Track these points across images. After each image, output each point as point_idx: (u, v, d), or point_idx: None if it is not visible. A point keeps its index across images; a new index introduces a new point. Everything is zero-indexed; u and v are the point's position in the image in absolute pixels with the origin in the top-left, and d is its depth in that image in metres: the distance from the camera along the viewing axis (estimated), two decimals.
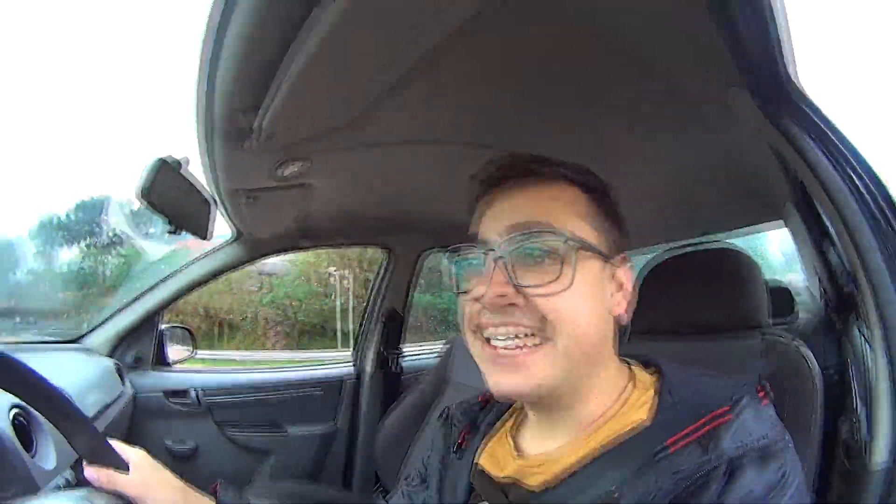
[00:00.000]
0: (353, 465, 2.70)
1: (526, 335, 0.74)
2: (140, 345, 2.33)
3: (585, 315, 0.75)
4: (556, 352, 0.73)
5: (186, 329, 2.62)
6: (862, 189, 0.93)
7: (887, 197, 0.93)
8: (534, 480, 0.79)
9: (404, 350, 2.92)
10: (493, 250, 0.77)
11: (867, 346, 0.99)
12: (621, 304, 0.82)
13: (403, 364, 2.86)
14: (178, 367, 2.48)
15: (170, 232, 1.38)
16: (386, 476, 2.40)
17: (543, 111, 1.30)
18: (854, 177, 0.94)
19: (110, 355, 2.23)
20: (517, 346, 0.75)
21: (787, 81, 0.96)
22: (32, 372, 0.79)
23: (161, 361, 2.43)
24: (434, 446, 1.02)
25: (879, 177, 0.95)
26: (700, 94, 1.16)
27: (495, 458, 0.87)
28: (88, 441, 0.83)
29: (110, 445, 0.84)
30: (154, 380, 2.35)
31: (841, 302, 1.11)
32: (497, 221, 0.79)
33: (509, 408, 0.95)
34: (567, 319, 0.73)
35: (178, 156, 1.33)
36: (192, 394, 2.39)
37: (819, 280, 1.77)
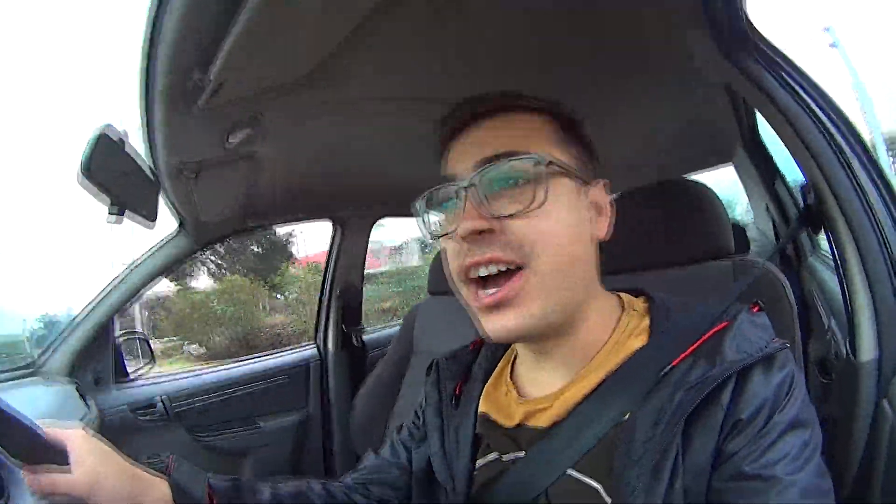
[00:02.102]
0: (331, 451, 2.66)
1: (509, 269, 0.74)
2: (98, 360, 2.18)
3: (566, 236, 0.76)
4: (541, 279, 0.74)
5: (142, 337, 2.49)
6: (820, 115, 1.00)
7: (844, 119, 1.01)
8: (542, 419, 0.80)
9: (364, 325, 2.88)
10: (465, 183, 0.77)
11: (833, 248, 1.06)
12: (602, 227, 0.84)
13: (365, 339, 2.82)
14: (139, 381, 2.35)
15: (112, 213, 1.27)
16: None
17: (504, 65, 1.27)
18: (812, 104, 1.01)
19: (69, 376, 2.09)
20: (503, 280, 0.75)
21: (744, 19, 1.00)
22: None
23: (121, 374, 2.29)
24: (428, 400, 1.01)
25: (833, 101, 1.02)
26: (661, 38, 1.19)
27: (498, 405, 0.87)
28: (19, 440, 0.74)
29: (44, 439, 0.77)
30: (117, 396, 2.22)
31: (806, 213, 1.13)
32: (466, 156, 0.80)
33: (504, 352, 0.96)
34: (547, 241, 0.74)
35: (118, 127, 1.21)
36: (159, 404, 2.27)
37: (775, 210, 1.86)
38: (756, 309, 0.79)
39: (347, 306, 2.77)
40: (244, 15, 0.86)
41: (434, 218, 0.87)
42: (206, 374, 2.52)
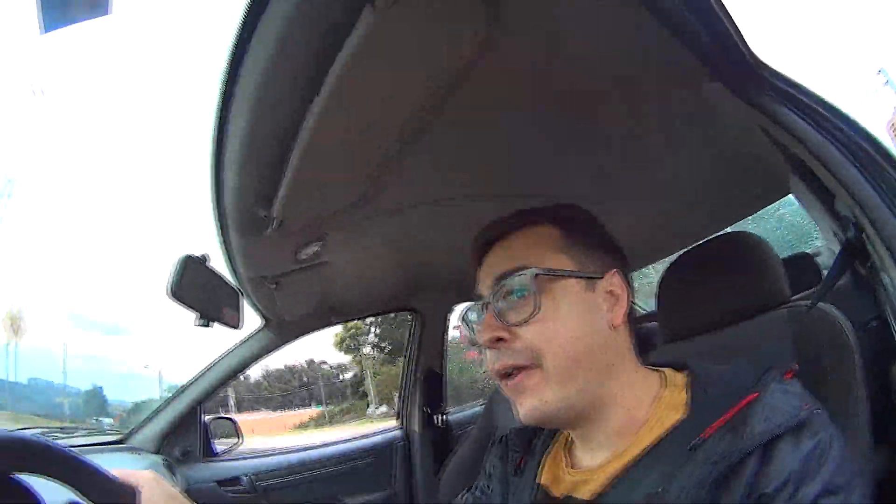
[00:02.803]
0: None
1: (523, 367, 0.82)
2: (186, 439, 2.32)
3: (570, 336, 0.81)
4: (546, 373, 0.80)
5: (230, 419, 2.64)
6: (850, 144, 0.94)
7: (868, 138, 0.95)
8: (585, 492, 0.83)
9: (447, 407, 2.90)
10: (484, 301, 0.87)
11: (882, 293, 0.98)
12: (618, 315, 0.86)
13: (450, 419, 2.84)
14: (226, 456, 2.47)
15: (201, 325, 1.42)
16: None
17: (544, 152, 1.35)
18: (841, 135, 0.95)
19: (157, 451, 2.23)
20: (517, 373, 0.82)
21: (751, 61, 0.99)
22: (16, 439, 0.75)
23: (208, 453, 2.41)
24: (494, 471, 1.06)
25: (861, 126, 0.96)
26: (678, 98, 1.20)
27: (553, 475, 0.92)
28: (93, 485, 0.79)
29: (116, 482, 0.81)
30: (204, 471, 2.33)
31: (847, 255, 1.08)
32: (486, 276, 0.89)
33: (559, 430, 0.99)
34: (552, 342, 0.80)
35: (198, 252, 1.38)
36: (245, 480, 2.37)
37: (837, 239, 1.76)
38: (789, 375, 0.78)
39: (430, 389, 2.81)
40: (294, 159, 0.98)
41: (473, 329, 0.96)
42: (293, 453, 2.59)
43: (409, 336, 2.85)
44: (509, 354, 0.83)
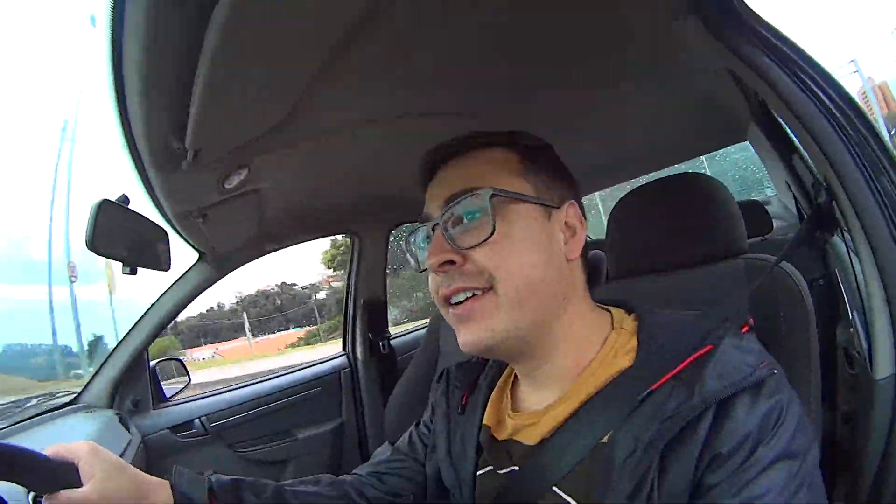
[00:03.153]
0: (367, 455, 2.70)
1: (474, 292, 0.80)
2: (136, 387, 2.29)
3: (526, 262, 0.79)
4: (498, 298, 0.78)
5: (176, 360, 2.62)
6: (825, 99, 0.93)
7: (850, 102, 0.94)
8: (530, 436, 0.84)
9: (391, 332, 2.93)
10: (432, 223, 0.85)
11: (854, 255, 0.99)
12: (574, 248, 0.86)
13: (393, 345, 2.87)
14: (177, 398, 2.46)
15: (127, 272, 1.34)
16: None
17: (490, 71, 1.28)
18: (816, 89, 0.94)
19: (110, 405, 2.20)
20: (467, 299, 0.80)
21: (737, 2, 0.96)
22: None
23: (159, 399, 2.39)
24: (437, 408, 1.06)
25: (839, 84, 0.95)
26: (651, 29, 1.17)
27: (496, 417, 0.93)
28: (32, 471, 0.77)
29: (52, 462, 0.80)
30: (157, 418, 2.32)
31: (818, 212, 1.08)
32: (436, 196, 0.87)
33: (507, 366, 0.99)
34: (504, 267, 0.78)
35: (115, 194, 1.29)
36: (197, 423, 2.37)
37: (792, 193, 1.79)
38: (745, 329, 0.79)
39: (373, 315, 2.83)
40: (201, 82, 0.88)
41: (418, 252, 0.95)
42: (242, 389, 2.60)
43: (350, 260, 2.82)
44: (460, 277, 0.81)
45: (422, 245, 0.93)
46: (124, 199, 1.30)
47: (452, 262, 0.81)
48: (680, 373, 0.72)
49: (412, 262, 0.96)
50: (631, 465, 0.69)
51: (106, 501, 0.80)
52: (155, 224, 1.50)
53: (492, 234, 0.78)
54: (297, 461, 2.55)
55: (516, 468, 0.84)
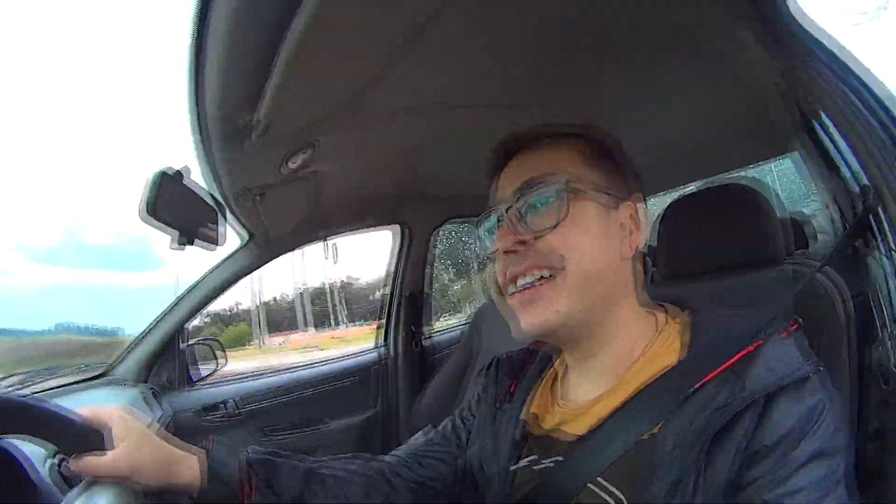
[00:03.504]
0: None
1: (542, 276, 0.81)
2: (168, 366, 2.26)
3: (591, 250, 0.81)
4: (566, 282, 0.80)
5: (215, 340, 2.56)
6: (878, 109, 0.91)
7: None
8: (575, 427, 0.84)
9: (431, 327, 2.89)
10: (505, 206, 0.87)
11: (891, 267, 0.96)
12: (636, 241, 0.86)
13: (431, 341, 2.83)
14: (211, 379, 2.43)
15: (178, 246, 1.29)
16: None
17: (551, 66, 1.27)
18: (870, 98, 0.92)
19: (143, 381, 2.17)
20: (532, 285, 0.82)
21: (792, 9, 0.94)
22: None
23: (191, 379, 2.36)
24: (484, 397, 1.06)
25: (892, 92, 0.93)
26: (706, 33, 1.16)
27: (542, 407, 0.93)
28: (61, 432, 0.76)
29: (81, 424, 0.78)
30: (188, 398, 2.29)
31: (860, 226, 1.05)
32: (508, 183, 0.89)
33: (555, 359, 0.99)
34: (575, 251, 0.80)
35: (176, 166, 1.24)
36: (229, 405, 2.35)
37: (837, 206, 1.74)
38: (795, 327, 0.78)
39: (414, 309, 2.78)
40: (281, 58, 0.87)
41: (486, 238, 0.95)
42: (276, 375, 2.57)
43: (397, 252, 2.75)
44: (531, 256, 0.82)
45: (491, 230, 0.93)
46: (185, 171, 1.25)
47: (523, 244, 0.82)
48: (731, 366, 0.72)
49: (480, 249, 1.01)
50: (678, 455, 0.69)
51: (133, 468, 0.79)
52: (212, 200, 1.45)
53: (564, 218, 0.81)
54: (326, 451, 2.47)
55: (560, 459, 0.83)
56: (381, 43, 0.97)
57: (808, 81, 0.99)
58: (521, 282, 0.83)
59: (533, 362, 1.03)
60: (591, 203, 0.83)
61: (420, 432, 1.14)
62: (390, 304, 2.82)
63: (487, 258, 0.93)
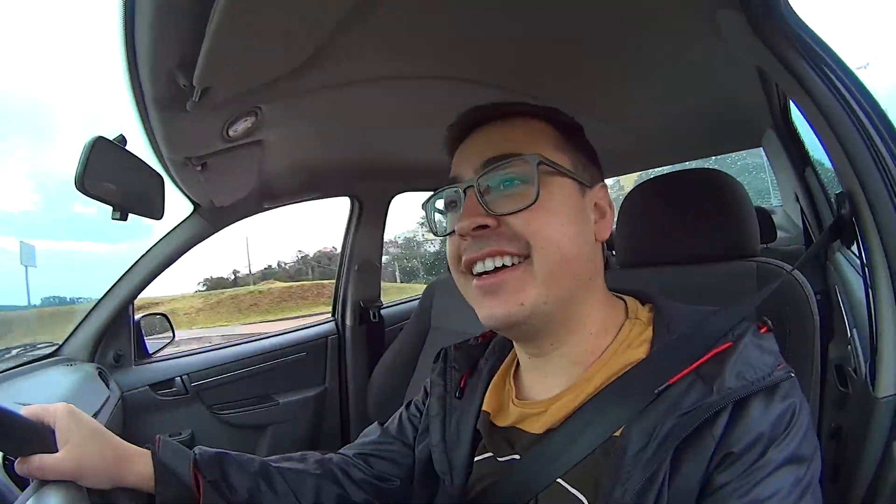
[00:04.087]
0: (348, 425, 2.69)
1: (511, 262, 0.77)
2: (119, 341, 2.22)
3: (564, 233, 0.77)
4: (535, 269, 0.75)
5: (162, 315, 2.52)
6: (856, 108, 0.92)
7: (882, 116, 0.93)
8: (536, 425, 0.81)
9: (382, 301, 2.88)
10: (466, 184, 0.81)
11: (865, 269, 0.97)
12: (604, 229, 0.84)
13: (383, 314, 2.82)
14: (160, 355, 2.39)
15: (117, 217, 1.25)
16: None
17: (520, 44, 1.24)
18: (849, 97, 0.92)
19: (91, 359, 2.14)
20: (499, 269, 0.77)
21: (781, 2, 0.93)
22: None
23: (142, 354, 2.33)
24: (433, 389, 1.03)
25: (874, 97, 0.94)
26: (690, 19, 1.14)
27: (497, 403, 0.90)
28: (5, 432, 0.73)
29: (30, 423, 0.77)
30: (138, 375, 2.26)
31: (838, 223, 1.04)
32: (469, 158, 0.83)
33: (509, 349, 0.97)
34: (544, 236, 0.75)
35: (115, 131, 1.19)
36: (178, 381, 2.33)
37: (799, 204, 1.85)
38: (764, 330, 0.77)
39: (366, 282, 2.77)
40: (217, 17, 0.82)
41: (440, 217, 0.92)
42: (226, 349, 2.54)
43: (347, 225, 2.75)
44: (494, 241, 0.77)
45: (447, 208, 0.89)
46: (121, 140, 1.20)
47: (485, 227, 0.78)
48: (699, 367, 0.71)
49: (429, 226, 0.93)
50: (643, 459, 0.67)
51: (81, 468, 0.77)
52: (151, 169, 1.40)
53: (535, 201, 0.75)
54: (277, 426, 2.51)
55: (518, 456, 0.81)
56: (327, 8, 0.93)
57: (787, 76, 0.97)
58: (480, 267, 0.79)
59: (485, 353, 1.01)
60: (562, 185, 0.80)
61: (368, 428, 1.13)
62: (339, 276, 2.81)
63: (441, 237, 0.90)
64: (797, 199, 1.86)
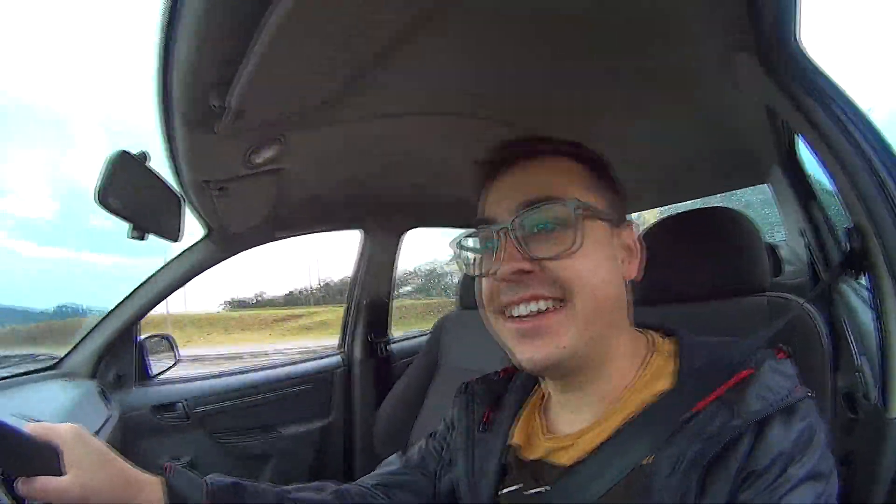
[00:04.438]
0: (352, 459, 2.64)
1: (547, 307, 0.77)
2: (121, 361, 2.20)
3: (601, 277, 0.78)
4: (575, 314, 0.76)
5: (166, 337, 2.49)
6: (870, 153, 0.93)
7: (887, 150, 0.95)
8: (564, 457, 0.81)
9: (391, 335, 2.85)
10: (502, 226, 0.80)
11: (874, 298, 0.99)
12: (633, 268, 0.86)
13: (392, 349, 2.79)
14: (162, 378, 2.36)
15: (135, 237, 1.24)
16: None
17: (537, 81, 1.25)
18: (856, 133, 0.94)
19: (92, 376, 2.11)
20: (538, 313, 0.77)
21: (794, 44, 0.97)
22: None
23: (144, 375, 2.29)
24: (456, 423, 1.03)
25: (886, 140, 0.96)
26: (705, 60, 1.16)
27: (525, 437, 0.89)
28: (9, 448, 0.71)
29: (36, 442, 0.73)
30: (139, 396, 2.22)
31: (849, 256, 1.05)
32: (504, 200, 0.83)
33: (534, 384, 0.98)
34: (583, 281, 0.76)
35: (135, 150, 1.18)
36: (180, 406, 2.28)
37: (805, 239, 1.87)
38: (782, 355, 0.78)
39: (375, 316, 2.75)
40: (260, 42, 0.83)
41: (472, 256, 0.91)
42: (231, 377, 2.51)
43: (358, 258, 2.73)
44: (536, 285, 0.78)
45: (482, 249, 0.87)
46: (144, 157, 1.19)
47: (525, 272, 0.77)
48: (722, 394, 0.72)
49: (461, 267, 0.93)
50: (672, 484, 0.68)
51: (87, 494, 0.74)
52: (172, 190, 1.39)
53: (573, 246, 0.76)
54: (280, 458, 2.46)
55: (547, 488, 0.81)
56: (364, 44, 0.94)
57: (796, 114, 0.99)
58: (517, 311, 0.79)
59: (510, 388, 1.01)
60: (598, 227, 0.81)
61: (388, 458, 1.11)
62: (347, 309, 2.79)
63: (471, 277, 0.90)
64: (802, 234, 1.89)
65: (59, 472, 0.73)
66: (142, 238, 1.28)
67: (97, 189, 1.08)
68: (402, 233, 2.69)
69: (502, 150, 0.87)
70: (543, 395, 0.94)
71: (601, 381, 0.82)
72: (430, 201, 2.24)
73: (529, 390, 0.98)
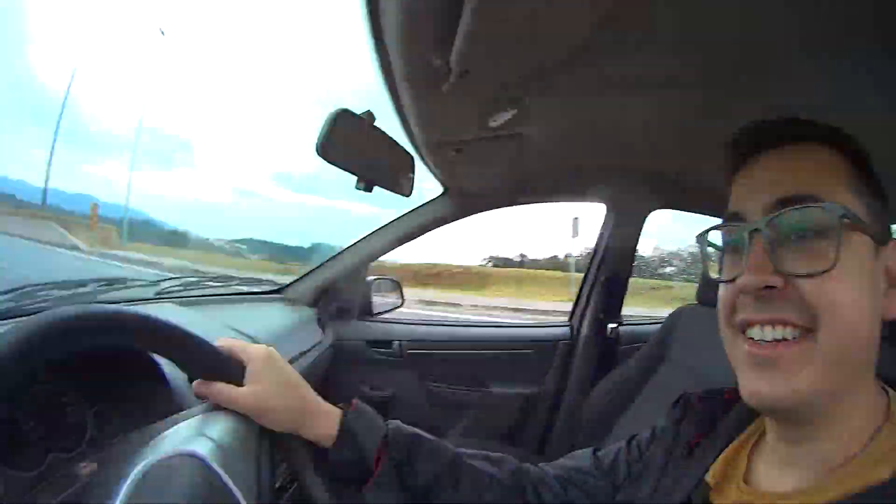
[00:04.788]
0: (551, 432, 2.56)
1: (793, 336, 0.63)
2: (344, 296, 2.36)
3: (858, 308, 0.62)
4: (816, 350, 0.62)
5: (394, 280, 2.63)
6: None
7: None
8: None
9: (623, 318, 2.68)
10: (752, 227, 0.67)
11: None
12: (893, 303, 0.67)
13: (621, 332, 2.62)
14: (383, 317, 2.49)
15: (361, 188, 1.25)
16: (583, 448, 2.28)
17: (790, 52, 1.02)
18: None
19: (312, 305, 2.28)
20: (779, 341, 0.64)
21: None
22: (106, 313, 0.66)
23: (367, 312, 2.45)
24: (662, 437, 0.94)
25: None
26: None
27: (722, 478, 0.77)
28: (195, 355, 0.76)
29: (219, 353, 0.79)
30: (358, 329, 2.38)
31: None
32: (756, 194, 0.70)
33: (751, 420, 0.83)
34: (836, 310, 0.61)
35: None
36: (395, 344, 2.39)
37: None
38: None
39: (609, 294, 2.60)
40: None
41: (716, 254, 0.78)
42: (456, 328, 2.58)
43: (601, 232, 2.58)
44: (781, 306, 0.63)
45: (727, 247, 0.74)
46: (369, 115, 1.19)
47: (773, 288, 0.64)
48: None
49: (703, 261, 0.80)
50: None
51: (261, 409, 0.79)
52: (401, 147, 1.40)
53: (833, 265, 0.61)
54: (480, 413, 2.48)
55: None
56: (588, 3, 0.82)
57: None
58: (756, 333, 0.66)
59: (726, 416, 0.86)
60: (859, 245, 0.64)
61: (580, 452, 1.04)
62: (583, 283, 2.67)
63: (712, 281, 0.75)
64: None
65: (239, 383, 0.78)
66: (368, 189, 1.31)
67: (317, 142, 1.12)
68: (647, 213, 2.47)
69: (757, 132, 0.73)
70: (760, 432, 0.79)
71: (825, 441, 0.66)
72: (679, 183, 2.03)
73: (743, 424, 0.83)
